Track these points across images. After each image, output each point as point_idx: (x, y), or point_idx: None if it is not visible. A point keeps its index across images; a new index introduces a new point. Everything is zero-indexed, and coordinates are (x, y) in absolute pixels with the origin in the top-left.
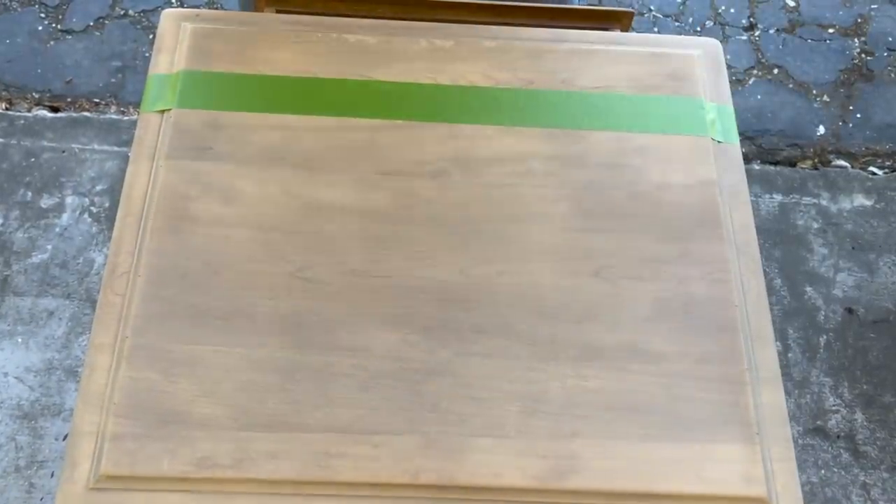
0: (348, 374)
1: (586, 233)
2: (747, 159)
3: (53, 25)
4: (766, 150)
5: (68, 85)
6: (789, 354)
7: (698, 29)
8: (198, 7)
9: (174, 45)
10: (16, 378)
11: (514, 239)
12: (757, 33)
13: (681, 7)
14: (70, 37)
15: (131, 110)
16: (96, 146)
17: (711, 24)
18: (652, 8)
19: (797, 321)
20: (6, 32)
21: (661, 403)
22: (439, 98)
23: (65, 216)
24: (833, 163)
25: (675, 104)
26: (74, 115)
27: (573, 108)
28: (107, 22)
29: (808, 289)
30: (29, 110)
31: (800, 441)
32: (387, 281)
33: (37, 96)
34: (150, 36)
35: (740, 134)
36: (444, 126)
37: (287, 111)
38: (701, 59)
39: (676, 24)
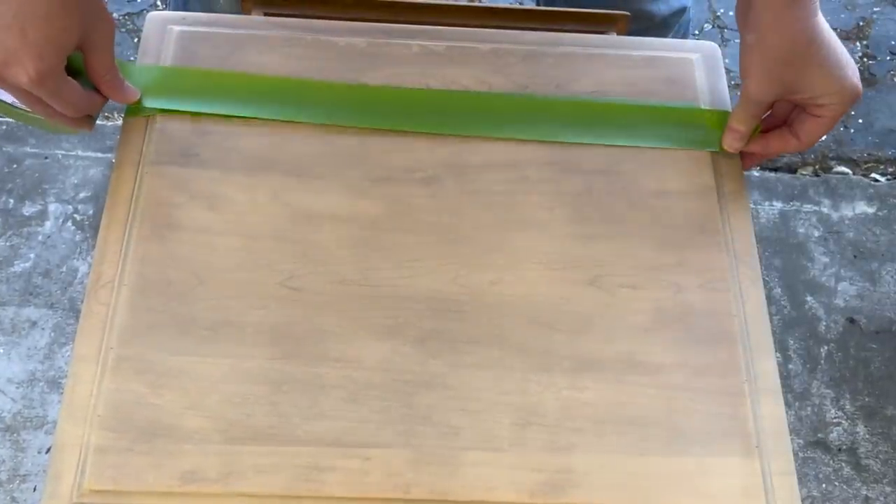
0: (338, 386)
1: (582, 240)
2: None
3: None
4: None
5: None
6: (790, 365)
7: (696, 32)
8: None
9: (159, 48)
10: None
11: (508, 247)
12: None
13: None
14: None
15: (115, 115)
16: (80, 152)
17: (710, 27)
18: None
19: (798, 331)
20: None
21: (659, 416)
22: (430, 103)
23: (48, 224)
24: (834, 169)
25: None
26: None
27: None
28: None
29: (809, 298)
30: None
31: (800, 454)
32: (377, 290)
33: None
34: (135, 39)
35: None
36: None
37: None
38: (699, 62)
39: None
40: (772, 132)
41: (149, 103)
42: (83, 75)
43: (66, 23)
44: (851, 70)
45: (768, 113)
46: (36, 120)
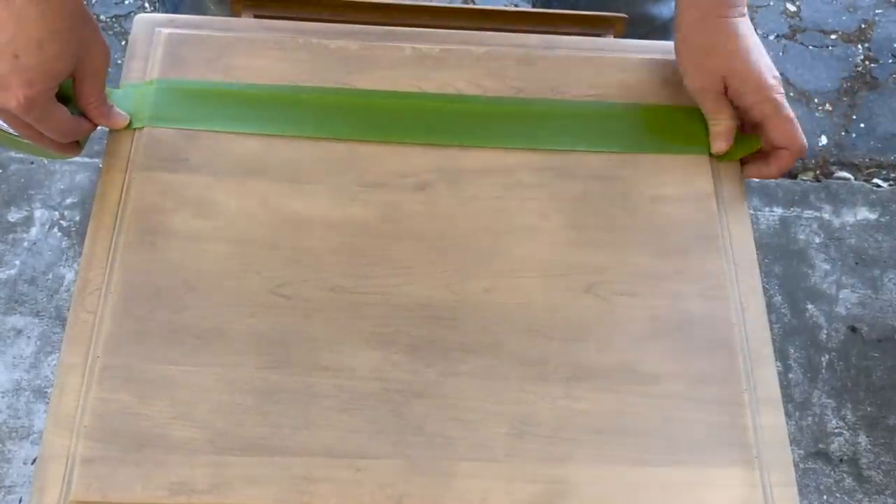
0: (329, 396)
1: (578, 247)
2: None
3: None
4: None
5: None
6: (790, 375)
7: None
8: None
9: (147, 51)
10: None
11: (502, 254)
12: None
13: None
14: None
15: None
16: None
17: None
18: None
19: (798, 340)
20: None
21: (656, 426)
22: (423, 108)
23: (34, 230)
24: (835, 174)
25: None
26: None
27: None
28: None
29: (810, 306)
30: None
31: (801, 465)
32: (369, 298)
33: None
34: (123, 42)
35: None
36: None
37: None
38: None
39: None
40: (747, 163)
41: (138, 125)
42: (73, 102)
43: (60, 51)
44: (768, 68)
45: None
46: (23, 145)
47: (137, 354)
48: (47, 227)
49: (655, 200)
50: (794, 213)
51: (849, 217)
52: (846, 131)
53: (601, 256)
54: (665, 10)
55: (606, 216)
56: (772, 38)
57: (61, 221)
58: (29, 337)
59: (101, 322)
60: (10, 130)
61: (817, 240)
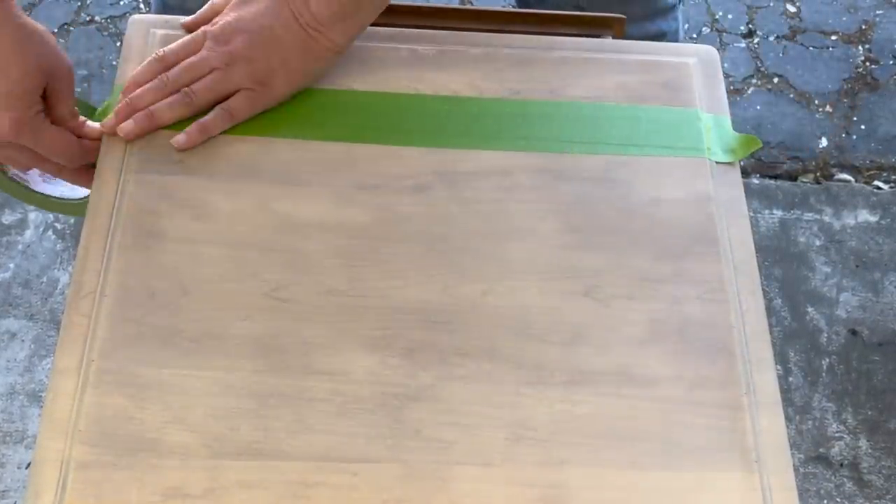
0: (325, 399)
1: (576, 250)
2: (746, 173)
3: None
4: (765, 163)
5: None
6: (790, 378)
7: (694, 36)
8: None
9: (142, 52)
10: None
11: (499, 257)
12: (756, 40)
13: None
14: None
15: None
16: None
17: (708, 30)
18: None
19: (798, 343)
20: None
21: (655, 430)
22: (420, 110)
23: (28, 233)
24: (836, 177)
25: (669, 115)
26: None
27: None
28: (72, 28)
29: (810, 309)
30: None
31: (801, 469)
32: (366, 301)
33: None
34: (118, 43)
35: None
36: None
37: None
38: (697, 67)
39: None
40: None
41: None
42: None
43: (25, 70)
44: None
45: None
46: (49, 202)
47: (132, 358)
48: (42, 229)
49: (654, 203)
50: (795, 216)
51: (849, 219)
52: (846, 133)
53: (599, 259)
54: (639, 30)
55: (605, 219)
56: (772, 38)
57: (56, 224)
58: (23, 340)
59: (95, 325)
60: (27, 181)
61: (817, 242)
